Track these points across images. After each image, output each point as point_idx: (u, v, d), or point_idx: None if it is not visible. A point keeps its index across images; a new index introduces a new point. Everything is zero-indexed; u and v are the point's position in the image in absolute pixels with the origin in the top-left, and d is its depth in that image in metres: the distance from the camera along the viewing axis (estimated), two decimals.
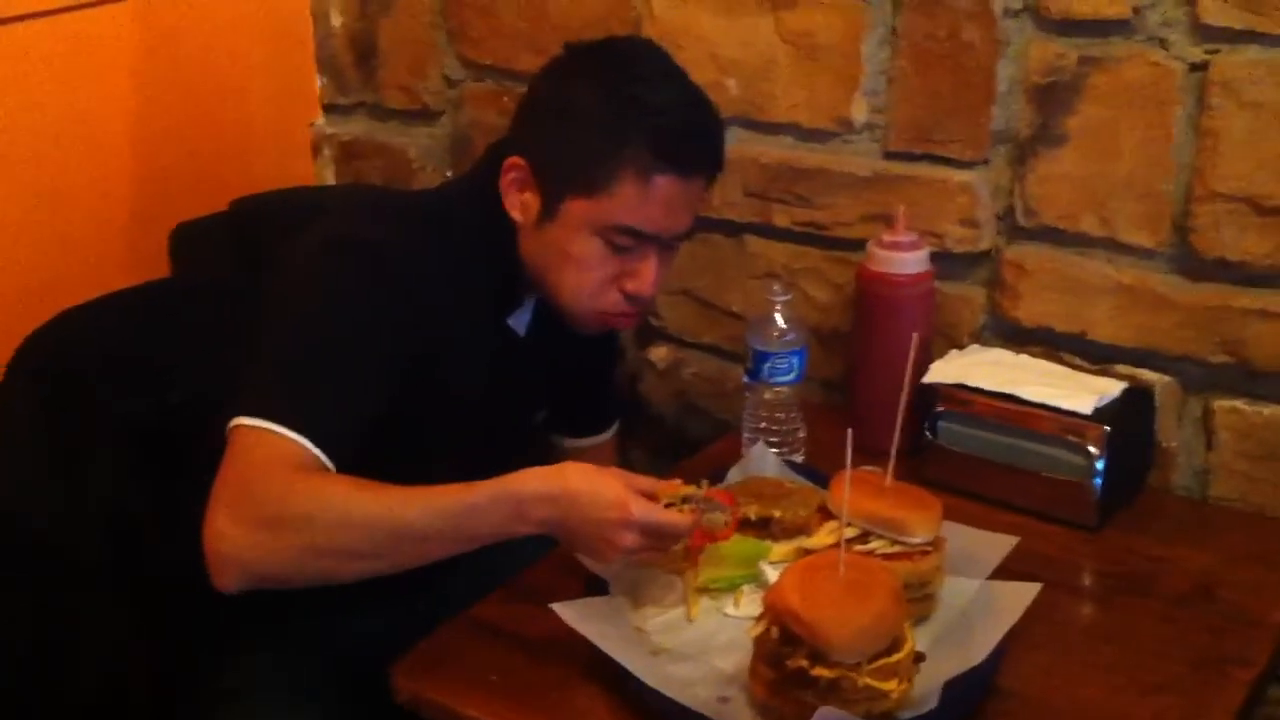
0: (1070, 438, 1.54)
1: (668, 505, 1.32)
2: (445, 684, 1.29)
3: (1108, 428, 1.52)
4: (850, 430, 1.25)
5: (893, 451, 1.36)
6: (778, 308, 1.63)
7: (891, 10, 1.72)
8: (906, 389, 1.35)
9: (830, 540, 1.34)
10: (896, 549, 1.33)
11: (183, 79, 2.10)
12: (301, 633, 1.51)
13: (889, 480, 1.36)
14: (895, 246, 1.67)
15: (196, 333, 1.63)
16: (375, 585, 1.31)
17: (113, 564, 1.52)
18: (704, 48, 1.85)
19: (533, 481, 1.29)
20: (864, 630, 1.15)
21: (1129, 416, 1.57)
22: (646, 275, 1.48)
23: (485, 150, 1.58)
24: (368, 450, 1.33)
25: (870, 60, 1.75)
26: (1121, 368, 1.66)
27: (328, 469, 1.30)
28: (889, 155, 1.77)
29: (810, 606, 1.15)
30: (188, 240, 2.01)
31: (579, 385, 1.75)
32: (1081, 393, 1.56)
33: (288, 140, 2.26)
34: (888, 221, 1.70)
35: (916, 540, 1.33)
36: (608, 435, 1.84)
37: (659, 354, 2.05)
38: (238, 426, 1.30)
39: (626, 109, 1.43)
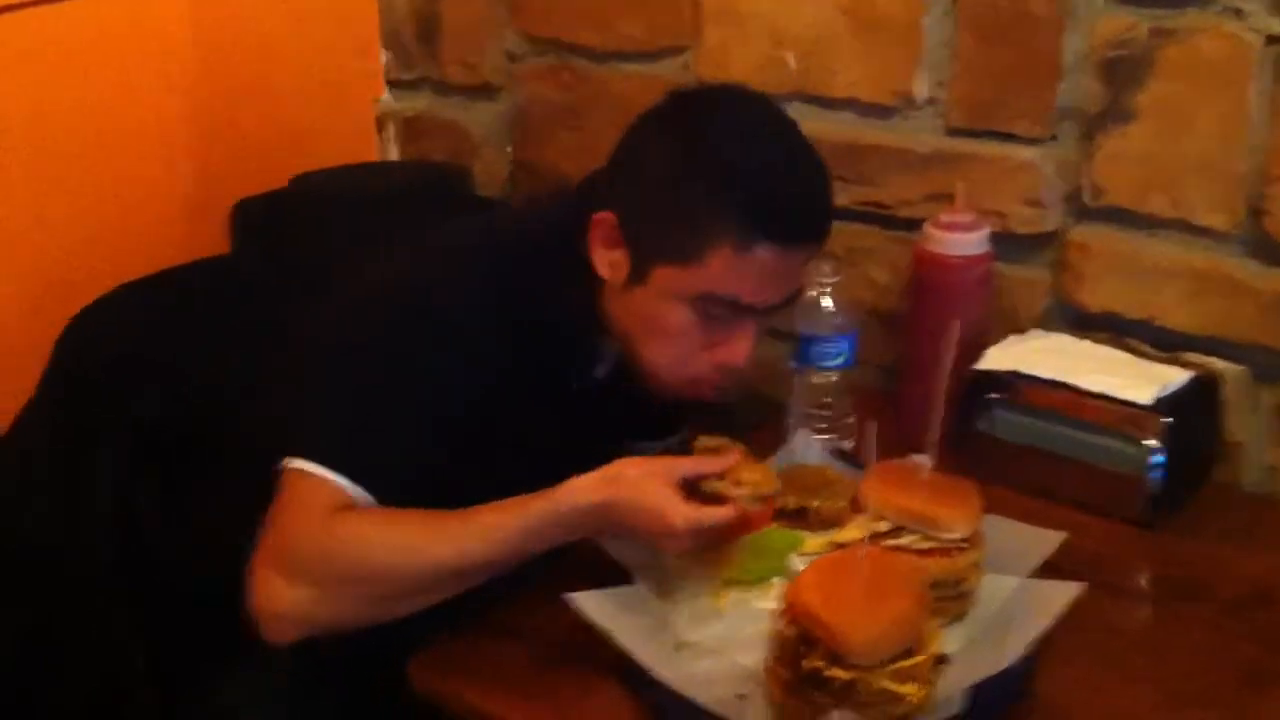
0: (1127, 429, 1.46)
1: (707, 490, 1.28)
2: (463, 679, 1.27)
3: (1167, 419, 1.44)
4: (875, 423, 1.19)
5: (932, 442, 1.30)
6: (826, 290, 1.58)
7: None
8: (946, 379, 1.29)
9: (860, 534, 1.29)
10: (930, 544, 1.27)
11: (243, 55, 2.09)
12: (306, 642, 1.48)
13: (927, 472, 1.30)
14: (952, 227, 1.61)
15: (214, 325, 1.61)
16: None
17: (115, 567, 1.49)
18: (761, 21, 1.80)
19: (579, 496, 1.26)
20: (882, 633, 1.10)
21: (1193, 408, 1.49)
22: (741, 347, 1.36)
23: (576, 187, 1.47)
24: (438, 495, 1.30)
25: (932, 32, 1.68)
26: (1191, 356, 1.58)
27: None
28: (951, 132, 1.71)
29: (828, 606, 1.11)
30: (248, 217, 2.03)
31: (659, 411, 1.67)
32: (1143, 382, 1.48)
33: (351, 117, 2.25)
34: (951, 201, 1.64)
35: (952, 536, 1.27)
36: (675, 439, 1.77)
37: None
38: (289, 470, 1.28)
39: (719, 173, 1.31)
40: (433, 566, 1.26)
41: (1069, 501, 1.49)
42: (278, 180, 2.04)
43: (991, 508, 1.38)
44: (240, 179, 2.04)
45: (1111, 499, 1.48)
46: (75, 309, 1.56)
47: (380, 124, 2.27)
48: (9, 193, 1.85)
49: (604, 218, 1.35)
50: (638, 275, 1.35)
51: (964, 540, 1.28)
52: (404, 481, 1.29)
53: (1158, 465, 1.45)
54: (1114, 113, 1.57)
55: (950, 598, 1.27)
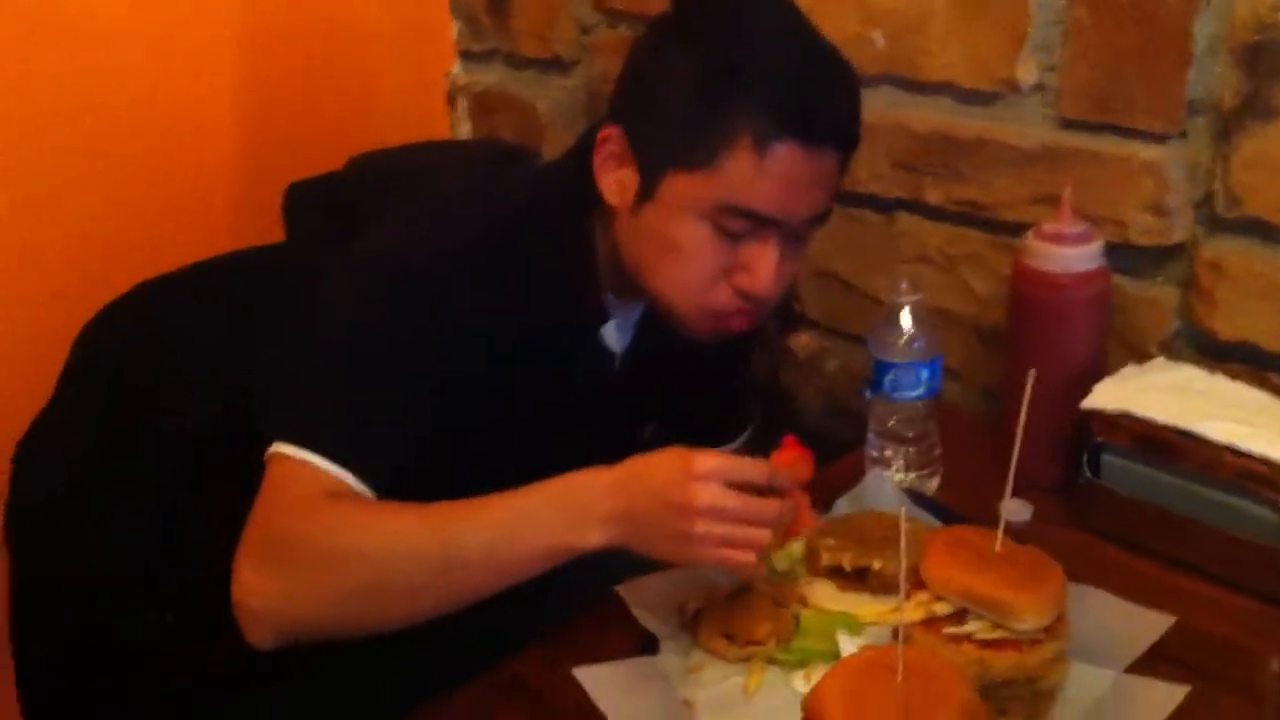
0: (1259, 489, 1.23)
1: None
2: None
3: None
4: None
5: (1004, 506, 1.09)
6: (904, 309, 1.37)
7: None
8: (1020, 433, 1.08)
9: (920, 615, 1.09)
10: (999, 634, 1.06)
11: (299, 25, 1.94)
12: (332, 674, 1.35)
13: (999, 543, 1.09)
14: (1059, 239, 1.37)
15: (252, 317, 1.47)
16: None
17: (155, 572, 1.38)
18: None
19: (584, 475, 1.12)
20: None
21: None
22: (764, 268, 1.21)
23: (584, 131, 1.34)
24: (439, 481, 1.16)
25: (1041, 9, 1.45)
26: None
27: (365, 497, 1.15)
28: (1062, 124, 1.47)
29: None
30: (301, 201, 1.89)
31: (695, 397, 1.51)
32: None
33: (420, 91, 2.09)
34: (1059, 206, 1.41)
35: (1023, 627, 1.06)
36: (733, 446, 1.58)
37: (800, 342, 1.80)
38: (270, 456, 1.17)
39: (736, 70, 1.17)
40: (419, 554, 1.12)
41: (1194, 570, 1.27)
42: (336, 161, 1.90)
43: (1097, 571, 1.23)
44: (295, 160, 1.90)
45: (1244, 571, 1.25)
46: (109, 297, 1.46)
47: (451, 99, 2.11)
48: (46, 179, 1.74)
49: (609, 133, 1.24)
50: (647, 190, 1.22)
51: (1041, 630, 1.07)
52: (394, 464, 1.17)
53: None
54: (1254, 108, 1.32)
55: (1021, 697, 1.07)
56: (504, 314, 1.24)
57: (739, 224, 1.19)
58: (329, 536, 1.13)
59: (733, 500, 1.08)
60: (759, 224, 1.19)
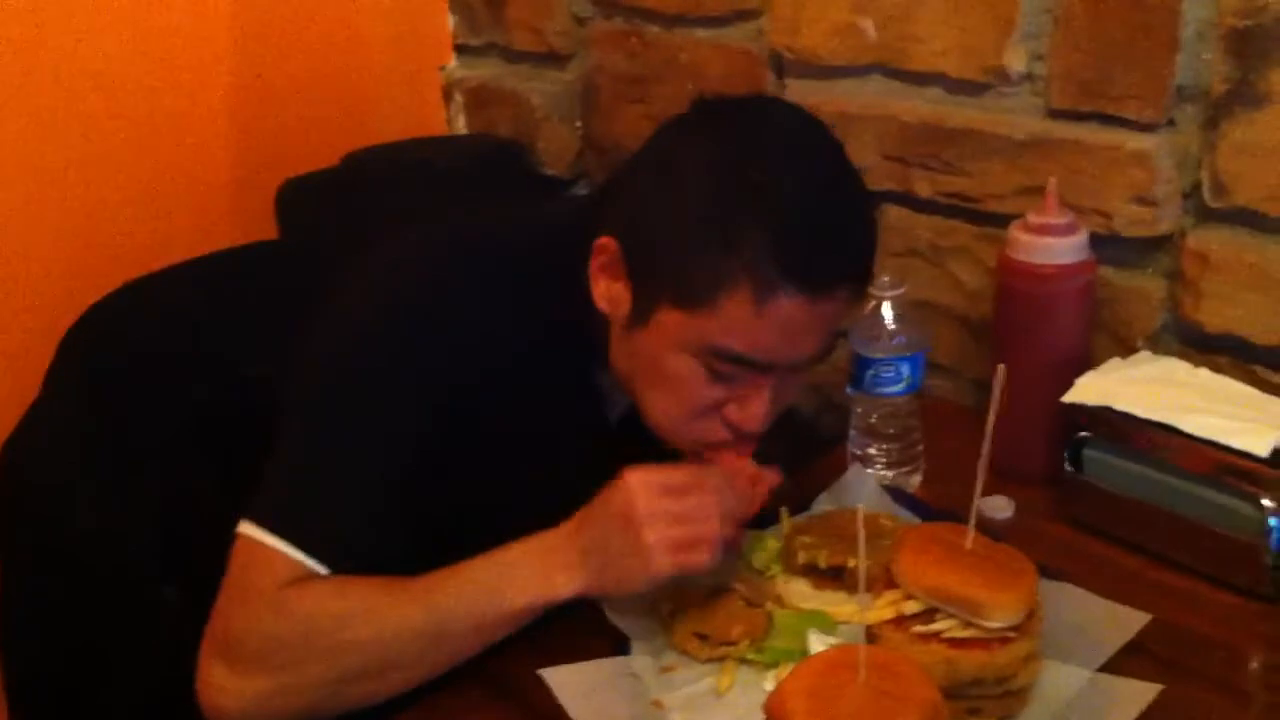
0: (1240, 484, 1.21)
1: None
2: None
3: None
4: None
5: (973, 508, 1.08)
6: (886, 303, 1.35)
7: None
8: (990, 428, 1.06)
9: (890, 614, 1.08)
10: (970, 633, 1.05)
11: (292, 17, 1.93)
12: None
13: (970, 540, 1.08)
14: (1044, 230, 1.35)
15: (265, 306, 1.44)
16: None
17: (163, 577, 1.35)
18: None
19: (548, 533, 1.14)
20: None
21: None
22: (755, 409, 1.15)
23: (601, 185, 1.28)
24: (442, 553, 1.15)
25: None
26: None
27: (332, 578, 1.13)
28: (1051, 113, 1.45)
29: None
30: (295, 198, 1.88)
31: None
32: (1263, 426, 1.22)
33: (415, 86, 2.08)
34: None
35: (993, 625, 1.04)
36: None
37: None
38: (240, 535, 1.14)
39: (739, 203, 1.09)
40: (397, 631, 1.10)
41: (1175, 564, 1.26)
42: (330, 158, 1.89)
43: (1081, 565, 1.24)
44: (289, 154, 1.90)
45: (1224, 566, 1.23)
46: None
47: (447, 93, 2.10)
48: (37, 175, 1.74)
49: (605, 244, 1.16)
50: (639, 315, 1.15)
51: (1012, 629, 1.05)
52: (371, 553, 1.13)
53: (1277, 530, 1.19)
54: (1243, 95, 1.30)
55: (992, 697, 1.05)
56: (509, 387, 1.21)
57: (731, 367, 1.13)
58: (309, 630, 1.10)
59: (670, 501, 1.09)
60: (754, 367, 1.13)
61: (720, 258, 1.08)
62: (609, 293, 1.18)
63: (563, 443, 1.27)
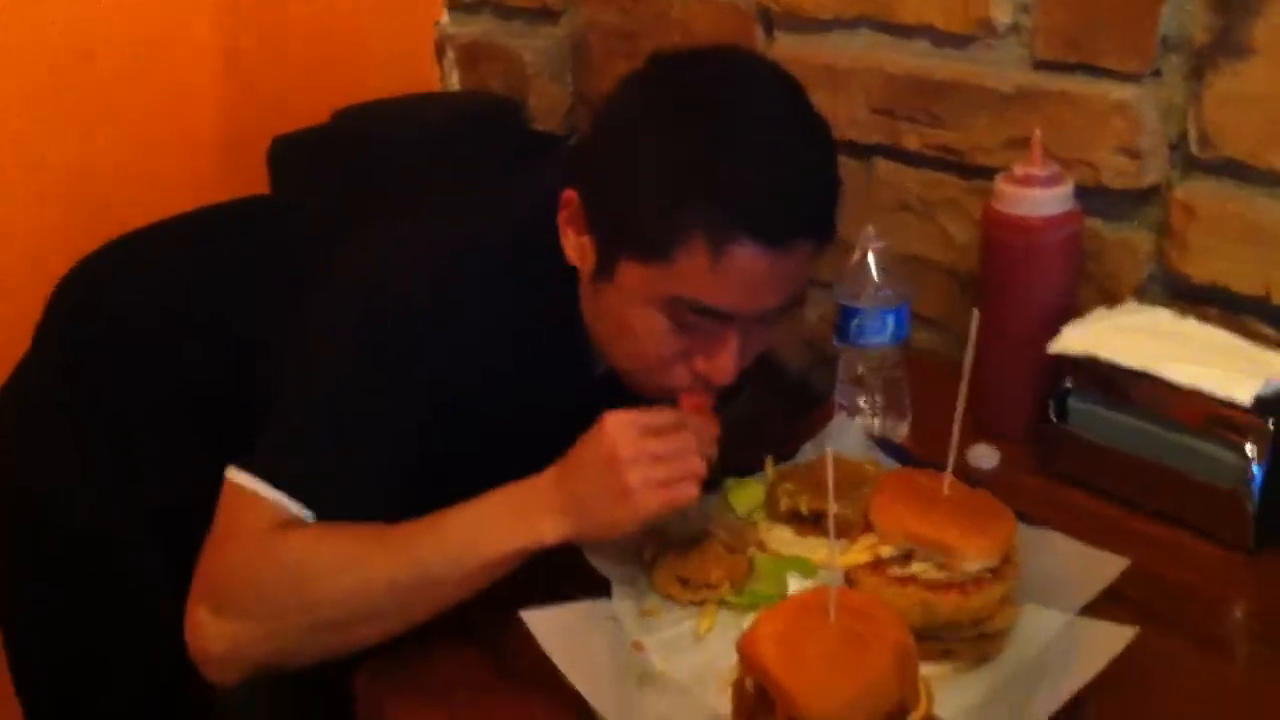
0: (1223, 432, 1.21)
1: None
2: (415, 696, 1.11)
3: (1272, 422, 1.19)
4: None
5: (950, 454, 1.08)
6: (870, 254, 1.35)
7: None
8: (965, 376, 1.06)
9: (866, 558, 1.08)
10: (944, 576, 1.06)
11: None
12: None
13: (947, 486, 1.09)
14: (1029, 181, 1.35)
15: (258, 263, 1.44)
16: None
17: (162, 563, 1.32)
18: None
19: (529, 480, 1.12)
20: (849, 703, 0.90)
21: None
22: (723, 360, 1.15)
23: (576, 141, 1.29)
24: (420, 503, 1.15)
25: None
26: None
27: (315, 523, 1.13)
28: (1037, 65, 1.45)
29: (786, 665, 0.91)
30: (287, 155, 1.88)
31: None
32: (1247, 375, 1.22)
33: (408, 42, 2.08)
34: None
35: (969, 568, 1.05)
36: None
37: None
38: (228, 481, 1.14)
39: (698, 166, 1.09)
40: (380, 579, 1.10)
41: (1157, 514, 1.26)
42: (322, 114, 1.89)
43: (1063, 515, 1.22)
44: (281, 110, 1.90)
45: (1207, 516, 1.24)
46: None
47: (440, 49, 2.10)
48: (27, 130, 1.75)
49: (569, 197, 1.17)
50: (603, 269, 1.15)
51: (988, 571, 1.06)
52: (359, 504, 1.13)
53: (1260, 478, 1.19)
54: (1227, 46, 1.30)
55: (968, 640, 1.06)
56: (497, 351, 1.21)
57: (695, 318, 1.13)
58: (293, 576, 1.10)
59: (653, 442, 1.08)
60: (716, 317, 1.13)
61: (674, 209, 1.08)
62: (577, 244, 1.18)
63: (562, 436, 1.23)
